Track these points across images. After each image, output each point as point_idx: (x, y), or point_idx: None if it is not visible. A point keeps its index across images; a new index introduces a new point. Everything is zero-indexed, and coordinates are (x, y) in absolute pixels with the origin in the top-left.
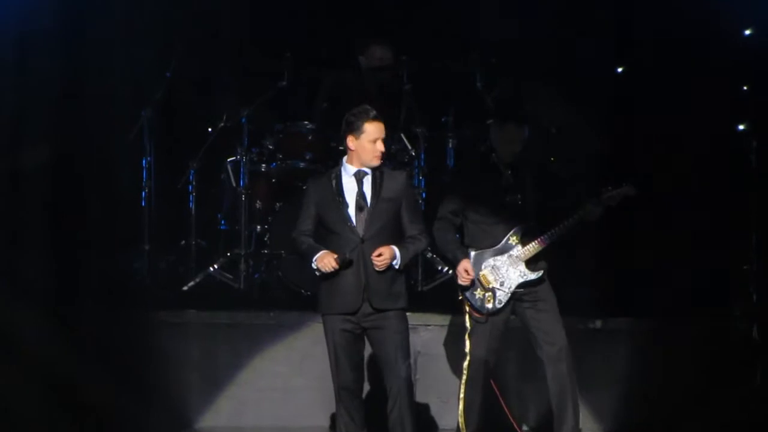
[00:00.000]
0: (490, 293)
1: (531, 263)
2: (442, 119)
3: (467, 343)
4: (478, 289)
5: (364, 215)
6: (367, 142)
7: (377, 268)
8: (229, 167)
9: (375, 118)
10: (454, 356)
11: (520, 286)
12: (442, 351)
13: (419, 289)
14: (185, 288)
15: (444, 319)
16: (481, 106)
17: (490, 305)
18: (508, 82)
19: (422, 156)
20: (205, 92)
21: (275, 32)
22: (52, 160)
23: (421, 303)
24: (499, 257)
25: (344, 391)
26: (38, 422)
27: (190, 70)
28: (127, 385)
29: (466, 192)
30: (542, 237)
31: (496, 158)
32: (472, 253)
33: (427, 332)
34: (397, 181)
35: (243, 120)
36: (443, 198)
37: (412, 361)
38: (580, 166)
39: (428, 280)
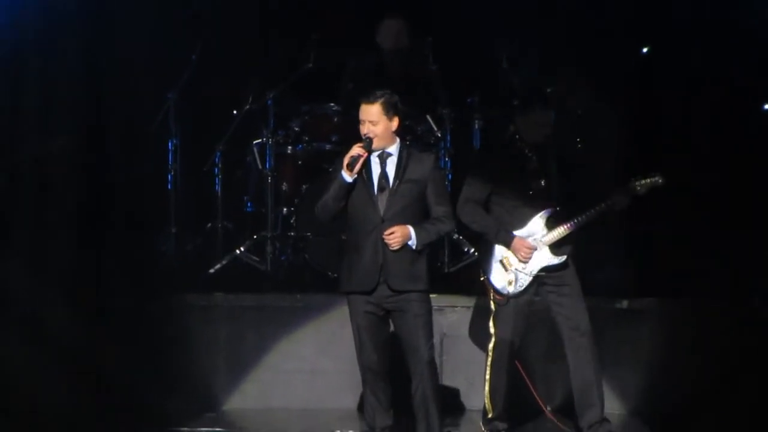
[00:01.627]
0: (512, 276)
1: (555, 248)
2: (468, 100)
3: (492, 324)
4: (500, 271)
5: (385, 195)
6: (360, 125)
7: (390, 247)
8: (255, 149)
9: (365, 101)
10: (481, 338)
11: (543, 270)
12: (468, 332)
13: (445, 270)
14: (212, 270)
15: (470, 301)
16: (506, 87)
17: (511, 288)
18: (533, 63)
19: (448, 137)
20: (231, 75)
21: (301, 14)
22: (78, 143)
23: (447, 284)
24: None
25: (369, 372)
26: (65, 405)
27: (215, 53)
28: (153, 367)
29: (491, 176)
30: (568, 223)
31: (521, 142)
32: None
33: (454, 314)
34: (423, 163)
35: (269, 102)
36: (468, 181)
37: (438, 342)
38: (605, 149)
39: (454, 261)
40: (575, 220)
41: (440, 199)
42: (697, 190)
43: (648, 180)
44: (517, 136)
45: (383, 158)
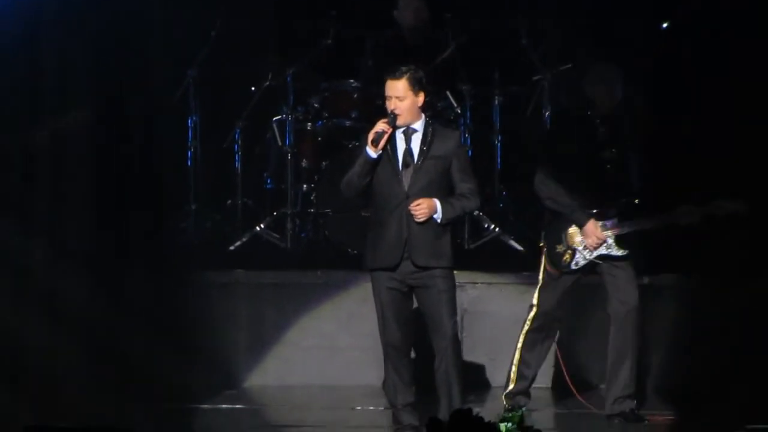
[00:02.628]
0: (570, 251)
1: (619, 240)
2: (488, 76)
3: (537, 295)
4: (561, 244)
5: (410, 171)
6: (387, 101)
7: (416, 219)
8: (274, 126)
9: (390, 77)
10: (501, 314)
11: (601, 258)
12: (488, 309)
13: (466, 247)
14: (232, 248)
15: (491, 277)
16: (526, 64)
17: (566, 263)
18: (554, 40)
19: (468, 113)
20: (251, 51)
21: None
22: (97, 120)
23: (468, 261)
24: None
25: (391, 348)
26: (85, 382)
27: (235, 29)
28: (174, 345)
29: (564, 150)
30: (632, 222)
31: (590, 111)
32: None
33: (474, 290)
34: (448, 139)
35: (288, 79)
36: (543, 158)
37: (459, 319)
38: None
39: (475, 237)
40: (640, 222)
41: (465, 176)
42: (719, 162)
43: (730, 204)
44: (585, 106)
45: (408, 134)
